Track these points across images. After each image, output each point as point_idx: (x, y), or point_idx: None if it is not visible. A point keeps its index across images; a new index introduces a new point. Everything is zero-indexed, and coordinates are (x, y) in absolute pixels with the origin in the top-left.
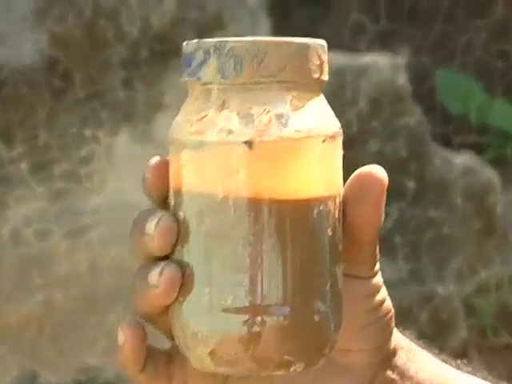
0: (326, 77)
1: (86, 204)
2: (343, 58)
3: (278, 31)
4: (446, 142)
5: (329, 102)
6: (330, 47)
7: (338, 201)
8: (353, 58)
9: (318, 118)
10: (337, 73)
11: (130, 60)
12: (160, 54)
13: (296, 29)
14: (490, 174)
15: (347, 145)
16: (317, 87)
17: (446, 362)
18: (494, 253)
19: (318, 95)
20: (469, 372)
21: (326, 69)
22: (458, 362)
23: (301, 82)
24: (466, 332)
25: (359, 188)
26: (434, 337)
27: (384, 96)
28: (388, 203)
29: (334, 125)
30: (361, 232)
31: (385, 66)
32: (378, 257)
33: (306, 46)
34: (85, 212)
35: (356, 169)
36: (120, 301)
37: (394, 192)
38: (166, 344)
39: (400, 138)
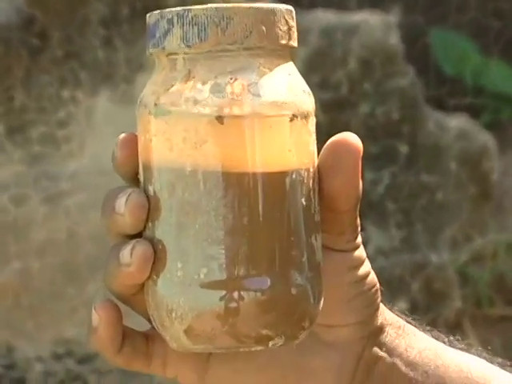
0: (294, 43)
1: (65, 169)
2: (332, 17)
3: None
4: (440, 105)
5: (318, 63)
6: (319, 5)
7: (311, 170)
8: (342, 17)
9: (289, 86)
10: (326, 32)
11: (110, 18)
12: (141, 12)
13: None
14: (485, 138)
15: (337, 107)
16: (286, 53)
17: (437, 339)
18: (490, 220)
19: (287, 62)
20: (462, 348)
21: (294, 34)
22: (451, 338)
23: (268, 48)
24: (461, 302)
25: (333, 157)
26: (427, 307)
27: (375, 56)
28: (379, 168)
29: (304, 93)
30: (337, 202)
31: (376, 24)
32: (359, 229)
33: (273, 11)
34: (63, 177)
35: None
36: (100, 270)
37: (386, 156)
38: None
39: (392, 100)
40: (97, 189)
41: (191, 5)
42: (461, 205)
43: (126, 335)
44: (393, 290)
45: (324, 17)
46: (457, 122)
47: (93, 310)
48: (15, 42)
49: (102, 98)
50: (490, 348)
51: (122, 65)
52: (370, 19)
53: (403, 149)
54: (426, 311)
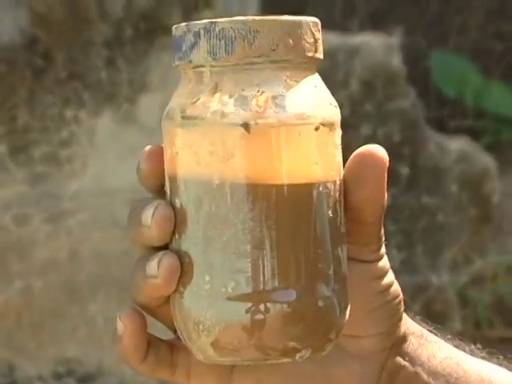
0: (320, 55)
1: (67, 188)
2: (334, 39)
3: (266, 10)
4: (441, 127)
5: None
6: (321, 27)
7: (338, 182)
8: (344, 39)
9: (315, 98)
10: (328, 53)
11: (114, 39)
12: (144, 33)
13: (285, 8)
14: (485, 160)
15: None
16: (311, 66)
17: (458, 347)
18: (490, 242)
19: (313, 74)
20: (483, 357)
21: (320, 47)
22: (472, 347)
23: (295, 61)
24: (460, 324)
25: (359, 169)
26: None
27: (377, 78)
28: None
29: (331, 105)
30: (363, 214)
31: (378, 46)
32: (384, 240)
33: (299, 24)
34: (65, 197)
35: (347, 153)
36: (101, 289)
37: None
38: (169, 335)
39: (393, 121)
40: (99, 208)
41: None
42: (461, 227)
43: (150, 344)
44: None
45: (326, 38)
46: (457, 144)
47: (118, 319)
48: (19, 62)
49: (104, 118)
50: (510, 356)
51: (124, 85)
52: (371, 41)
53: (404, 170)
54: None
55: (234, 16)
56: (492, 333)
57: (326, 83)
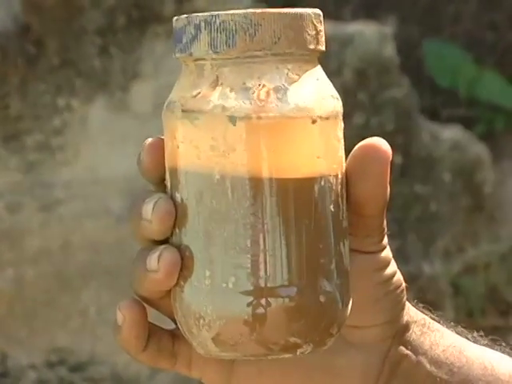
0: (322, 47)
1: (59, 177)
2: (327, 28)
3: (258, 1)
4: (434, 116)
5: None
6: None
7: (340, 176)
8: (337, 28)
9: (316, 91)
10: None
11: (106, 26)
12: (137, 21)
13: None
14: (479, 149)
15: None
16: (313, 58)
17: (461, 335)
18: (483, 230)
19: (314, 66)
20: (486, 344)
21: (322, 39)
22: (475, 334)
23: (297, 54)
24: (453, 313)
25: (362, 162)
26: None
27: (370, 67)
28: None
29: (333, 98)
30: (366, 207)
31: (371, 36)
32: (386, 230)
33: (301, 16)
34: (58, 185)
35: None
36: (93, 278)
37: None
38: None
39: (386, 110)
40: (91, 197)
41: (187, 12)
42: (454, 215)
43: (151, 333)
44: None
45: None
46: (451, 132)
47: (117, 310)
48: (11, 50)
49: (97, 106)
50: None
51: (117, 73)
52: (365, 30)
53: (397, 159)
54: None
55: (227, 4)
56: (485, 321)
57: None
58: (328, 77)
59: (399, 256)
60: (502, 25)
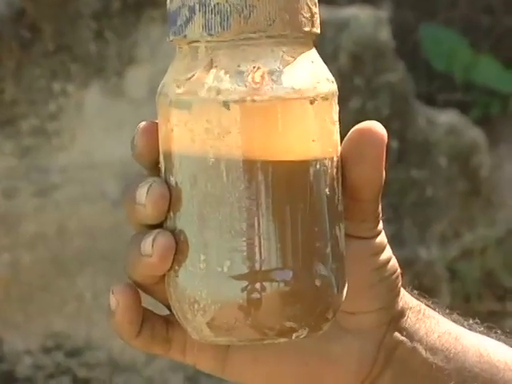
0: (317, 29)
1: (55, 162)
2: (323, 12)
3: None
4: (430, 101)
5: None
6: None
7: (335, 159)
8: (333, 12)
9: (311, 74)
10: None
11: (102, 11)
12: (133, 5)
13: None
14: (475, 134)
15: None
16: (308, 40)
17: (457, 322)
18: (479, 215)
19: (310, 49)
20: (481, 332)
21: (317, 21)
22: (470, 321)
23: (291, 36)
24: (450, 297)
25: (358, 146)
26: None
27: (366, 52)
28: None
29: (328, 81)
30: (361, 191)
31: (366, 20)
32: (381, 216)
33: None
34: (53, 170)
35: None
36: (89, 263)
37: None
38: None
39: (382, 95)
40: (87, 182)
41: None
42: (450, 200)
43: (145, 318)
44: None
45: None
46: (446, 117)
47: (111, 294)
48: (6, 35)
49: (92, 91)
50: (508, 331)
51: (113, 58)
52: (360, 14)
53: (393, 144)
54: None
55: None
56: (481, 306)
57: None
58: (323, 61)
59: (395, 241)
60: (498, 9)
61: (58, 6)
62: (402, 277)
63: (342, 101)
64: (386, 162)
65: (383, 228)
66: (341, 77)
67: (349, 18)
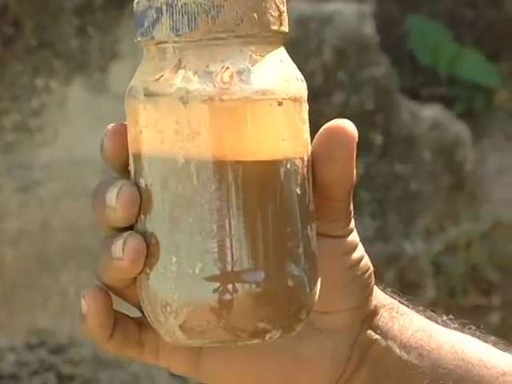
0: (286, 28)
1: (38, 158)
2: (307, 7)
3: None
4: (414, 95)
5: (292, 52)
6: None
7: (306, 159)
8: (317, 7)
9: (280, 73)
10: (300, 22)
11: (84, 6)
12: (115, 0)
13: None
14: (459, 128)
15: (311, 97)
16: (277, 39)
17: (430, 319)
18: (464, 210)
19: (278, 48)
20: (455, 328)
21: (285, 20)
22: (444, 318)
23: (260, 36)
24: (434, 292)
25: (328, 145)
26: (401, 297)
27: (350, 46)
28: None
29: (297, 80)
30: (332, 190)
31: (350, 14)
32: (352, 214)
33: None
34: (36, 166)
35: (321, 122)
36: (73, 260)
37: (360, 146)
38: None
39: (366, 89)
40: (70, 178)
41: None
42: (434, 195)
43: (117, 322)
44: None
45: (298, 6)
46: (431, 111)
47: (82, 298)
48: None
49: (75, 86)
50: (482, 327)
51: (95, 53)
52: (344, 9)
53: (377, 139)
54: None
55: None
56: (466, 301)
57: (298, 52)
58: (308, 56)
59: (380, 235)
60: (481, 2)
61: (41, 1)
62: (374, 275)
63: (326, 95)
64: (360, 155)
65: (367, 223)
66: (325, 71)
67: (333, 13)
